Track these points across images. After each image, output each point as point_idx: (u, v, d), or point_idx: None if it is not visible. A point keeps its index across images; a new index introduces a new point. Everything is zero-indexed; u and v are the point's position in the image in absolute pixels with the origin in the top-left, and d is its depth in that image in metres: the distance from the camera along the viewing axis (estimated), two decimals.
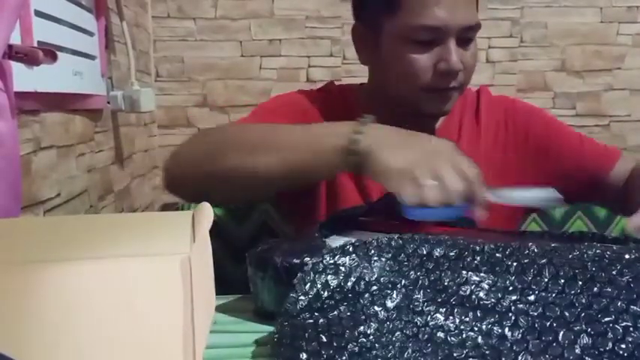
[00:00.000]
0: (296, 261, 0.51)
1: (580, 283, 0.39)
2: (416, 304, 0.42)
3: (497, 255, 0.43)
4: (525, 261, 0.42)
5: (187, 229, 0.44)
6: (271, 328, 0.53)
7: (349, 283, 0.44)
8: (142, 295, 0.36)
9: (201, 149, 0.75)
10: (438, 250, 0.45)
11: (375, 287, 0.44)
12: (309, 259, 0.50)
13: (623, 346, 0.35)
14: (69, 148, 1.00)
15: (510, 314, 0.39)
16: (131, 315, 0.35)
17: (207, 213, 0.48)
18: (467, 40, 0.80)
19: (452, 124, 0.91)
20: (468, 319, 0.40)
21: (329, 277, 0.45)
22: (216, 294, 0.57)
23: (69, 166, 1.00)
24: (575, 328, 0.37)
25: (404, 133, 0.65)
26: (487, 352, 0.38)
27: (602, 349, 0.35)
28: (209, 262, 0.52)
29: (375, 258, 0.46)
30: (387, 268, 0.45)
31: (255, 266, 0.54)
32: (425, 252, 0.45)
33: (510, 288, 0.41)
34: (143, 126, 1.63)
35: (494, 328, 0.39)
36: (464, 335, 0.39)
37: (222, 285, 0.60)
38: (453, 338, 0.39)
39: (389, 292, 0.44)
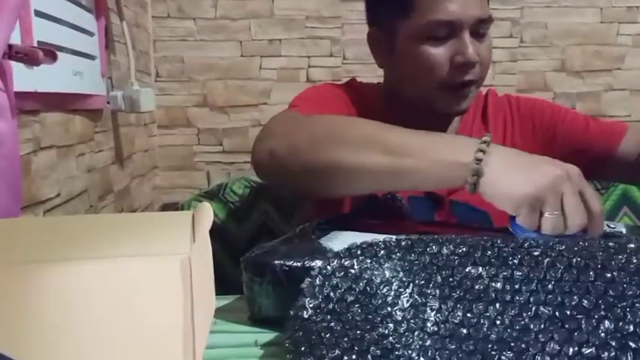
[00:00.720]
0: (295, 264, 0.50)
1: (592, 272, 0.40)
2: (432, 301, 0.42)
3: (507, 249, 0.43)
4: (536, 253, 0.42)
5: (187, 229, 0.44)
6: (271, 331, 0.53)
7: (360, 285, 0.44)
8: (142, 295, 0.36)
9: (306, 139, 0.69)
10: (447, 247, 0.45)
11: (386, 288, 0.44)
12: (309, 261, 0.49)
13: None
14: (69, 148, 1.00)
15: (530, 305, 0.40)
16: (131, 315, 0.35)
17: (207, 213, 0.48)
18: (481, 33, 0.81)
19: (465, 128, 0.92)
20: (488, 313, 0.40)
21: (338, 279, 0.44)
22: (216, 294, 0.57)
23: (69, 166, 1.00)
24: (596, 315, 0.37)
25: (528, 155, 0.61)
26: (512, 344, 0.38)
27: (625, 333, 0.36)
28: (209, 262, 0.52)
29: (384, 259, 0.46)
30: (398, 269, 0.45)
31: (252, 271, 0.53)
32: (435, 250, 0.45)
33: (526, 280, 0.41)
34: (143, 126, 1.63)
35: (517, 319, 0.39)
36: (486, 329, 0.39)
37: (222, 285, 0.60)
38: (475, 333, 0.39)
39: (402, 291, 0.43)
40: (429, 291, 0.43)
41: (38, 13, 0.86)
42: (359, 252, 0.47)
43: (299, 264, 0.50)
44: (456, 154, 0.60)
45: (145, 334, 0.36)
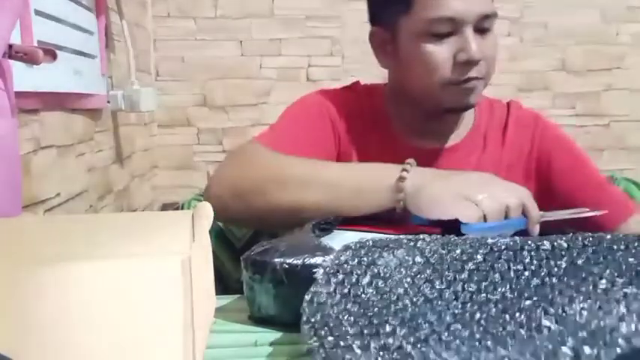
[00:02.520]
0: (295, 262, 0.50)
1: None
2: (450, 284, 0.43)
3: (517, 244, 0.45)
4: (545, 247, 0.44)
5: (187, 229, 0.44)
6: (271, 330, 0.53)
7: (374, 270, 0.44)
8: (142, 295, 0.36)
9: (248, 184, 0.76)
10: (457, 242, 0.46)
11: (402, 270, 0.44)
12: (310, 259, 0.50)
13: None
14: (69, 148, 1.00)
15: (536, 279, 0.42)
16: (131, 315, 0.35)
17: (207, 213, 0.48)
18: (484, 29, 0.79)
19: (477, 135, 0.88)
20: (500, 289, 0.42)
21: (351, 266, 0.45)
22: (216, 294, 0.57)
23: (69, 165, 1.00)
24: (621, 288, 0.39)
25: (447, 171, 0.69)
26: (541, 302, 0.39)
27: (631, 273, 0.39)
28: (209, 262, 0.52)
29: (396, 248, 0.46)
30: (411, 254, 0.45)
31: (252, 269, 0.52)
32: (444, 241, 0.46)
33: (535, 272, 0.43)
34: (143, 126, 1.63)
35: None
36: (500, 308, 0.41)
37: (222, 285, 0.60)
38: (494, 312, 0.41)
39: (417, 273, 0.44)
40: (444, 274, 0.44)
41: (38, 13, 0.86)
42: (370, 243, 0.47)
43: (299, 262, 0.50)
44: (382, 178, 0.68)
45: (144, 334, 0.36)
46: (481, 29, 0.79)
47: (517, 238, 0.46)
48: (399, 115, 0.88)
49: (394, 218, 0.68)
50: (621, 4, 1.86)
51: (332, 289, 0.43)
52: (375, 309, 0.41)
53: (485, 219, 0.61)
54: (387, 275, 0.44)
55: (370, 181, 0.69)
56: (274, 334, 0.52)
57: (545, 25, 1.87)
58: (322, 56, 1.82)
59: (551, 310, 0.38)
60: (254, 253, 0.53)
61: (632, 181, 1.63)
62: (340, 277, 0.44)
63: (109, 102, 1.24)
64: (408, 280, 0.44)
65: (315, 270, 0.47)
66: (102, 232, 0.45)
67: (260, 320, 0.53)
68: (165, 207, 1.82)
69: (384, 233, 0.62)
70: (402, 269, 0.44)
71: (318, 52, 1.82)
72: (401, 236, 0.48)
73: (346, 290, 0.43)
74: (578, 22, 1.87)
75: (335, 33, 1.82)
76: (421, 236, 0.48)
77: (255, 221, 0.76)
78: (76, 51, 1.05)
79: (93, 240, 0.42)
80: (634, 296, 0.37)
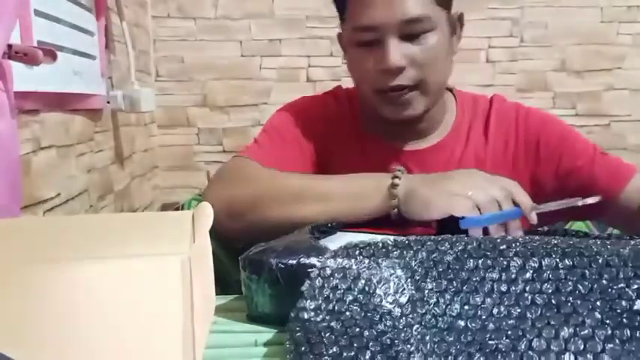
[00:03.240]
0: (291, 262, 0.51)
1: (586, 259, 0.42)
2: (429, 295, 0.43)
3: (503, 243, 0.45)
4: (531, 246, 0.44)
5: (187, 229, 0.44)
6: (271, 330, 0.53)
7: (359, 285, 0.45)
8: (142, 295, 0.36)
9: (243, 202, 0.76)
10: (443, 245, 0.46)
11: (385, 286, 0.44)
12: (305, 259, 0.50)
13: (638, 302, 0.38)
14: (69, 148, 1.00)
15: (526, 294, 0.41)
16: (131, 314, 0.35)
17: (207, 213, 0.48)
18: (415, 35, 0.76)
19: (459, 132, 0.87)
20: (485, 304, 0.42)
21: (337, 280, 0.45)
22: (216, 294, 0.57)
23: (69, 166, 1.00)
24: (592, 298, 0.39)
25: (434, 174, 0.70)
26: (510, 331, 0.39)
27: (619, 310, 0.38)
28: (209, 262, 0.52)
29: (382, 258, 0.46)
30: (396, 266, 0.46)
31: (250, 269, 0.53)
32: (432, 247, 0.47)
33: (521, 270, 0.42)
34: (143, 126, 1.63)
35: (513, 308, 0.41)
36: (484, 319, 0.41)
37: (222, 285, 0.60)
38: (473, 324, 0.41)
39: (399, 288, 0.44)
40: (426, 285, 0.44)
41: (38, 13, 0.86)
42: (357, 252, 0.48)
43: (294, 262, 0.51)
44: (375, 185, 0.69)
45: (145, 334, 0.36)
46: (410, 35, 0.76)
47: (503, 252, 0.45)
48: (375, 118, 0.86)
49: (395, 220, 0.68)
50: (621, 4, 1.86)
51: (317, 305, 0.44)
52: (357, 329, 0.41)
53: (479, 211, 0.62)
54: (371, 291, 0.44)
55: (363, 190, 0.70)
56: (274, 334, 0.52)
57: (545, 25, 1.87)
58: (322, 56, 1.82)
59: (551, 332, 0.38)
60: (252, 253, 0.54)
61: None
62: (325, 292, 0.44)
63: (108, 102, 1.24)
64: (391, 297, 0.44)
65: (310, 270, 0.47)
66: (102, 233, 0.45)
67: (257, 319, 0.54)
68: (165, 207, 1.82)
69: (382, 234, 0.62)
70: (386, 285, 0.44)
71: (318, 53, 1.82)
72: (390, 241, 0.48)
73: (331, 306, 0.44)
74: (578, 22, 1.87)
75: (335, 33, 1.81)
76: (409, 241, 0.47)
77: (252, 237, 0.76)
78: (76, 51, 1.05)
79: (93, 240, 0.42)
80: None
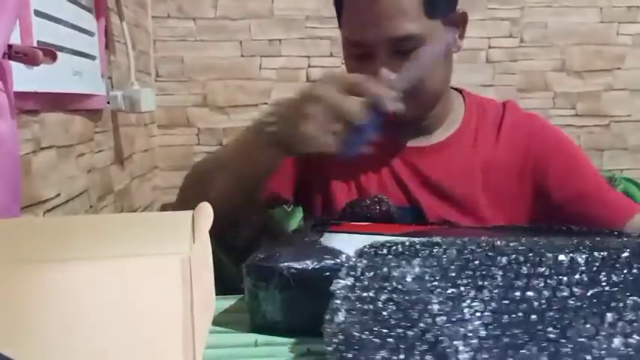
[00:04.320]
0: (303, 266, 0.49)
1: (613, 251, 0.43)
2: (466, 291, 0.43)
3: (531, 243, 0.46)
4: (556, 244, 0.45)
5: (187, 229, 0.44)
6: (274, 336, 0.53)
7: (392, 284, 0.43)
8: (142, 295, 0.36)
9: (188, 196, 0.84)
10: (471, 244, 0.46)
11: (419, 283, 0.43)
12: (318, 263, 0.49)
13: None
14: (69, 148, 1.00)
15: (562, 287, 0.42)
16: (131, 315, 0.35)
17: (207, 213, 0.48)
18: (405, 51, 0.76)
19: (466, 132, 0.86)
20: (524, 298, 0.42)
21: (368, 280, 0.44)
22: (216, 294, 0.57)
23: (69, 166, 1.00)
24: (627, 285, 0.41)
25: (291, 99, 0.70)
26: (554, 322, 0.40)
27: None
28: (209, 262, 0.52)
29: (412, 256, 0.45)
30: (427, 264, 0.45)
31: (256, 276, 0.51)
32: (460, 247, 0.46)
33: (555, 264, 0.43)
34: (143, 126, 1.63)
35: (552, 301, 0.41)
36: (526, 313, 0.41)
37: (222, 285, 0.60)
38: (516, 318, 0.41)
39: (435, 285, 0.43)
40: (462, 282, 0.43)
41: (38, 13, 0.86)
42: (384, 251, 0.46)
43: (306, 266, 0.49)
44: (251, 133, 0.73)
45: (145, 334, 0.36)
46: (400, 51, 0.76)
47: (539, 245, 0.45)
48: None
49: (382, 219, 0.68)
50: (621, 4, 1.86)
51: (350, 306, 0.42)
52: (400, 330, 0.40)
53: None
54: (405, 289, 0.43)
55: (245, 142, 0.74)
56: (273, 335, 0.52)
57: (545, 25, 1.87)
58: (322, 57, 1.82)
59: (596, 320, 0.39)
60: (258, 259, 0.52)
61: (632, 181, 1.63)
62: (357, 292, 0.43)
63: (108, 102, 1.24)
64: (427, 295, 0.43)
65: (326, 274, 0.47)
66: (102, 233, 0.45)
67: (264, 328, 0.52)
68: (165, 207, 1.82)
69: (380, 234, 0.61)
70: (420, 282, 0.44)
71: (318, 53, 1.82)
72: (416, 241, 0.47)
73: (366, 307, 0.42)
74: (578, 22, 1.87)
75: (335, 33, 1.81)
76: (436, 240, 0.47)
77: (220, 222, 0.80)
78: (76, 52, 1.05)
79: (93, 240, 0.42)
80: None
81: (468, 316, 0.41)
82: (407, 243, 0.47)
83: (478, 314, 0.41)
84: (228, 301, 0.62)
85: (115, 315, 0.35)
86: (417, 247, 0.46)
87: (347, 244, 0.51)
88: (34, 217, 0.83)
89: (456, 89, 0.91)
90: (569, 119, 1.89)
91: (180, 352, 0.36)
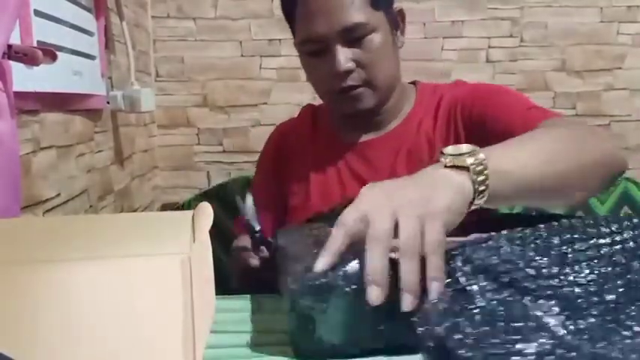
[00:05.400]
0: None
1: None
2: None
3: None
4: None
5: (187, 229, 0.44)
6: (271, 331, 0.53)
7: (483, 300, 0.42)
8: (142, 295, 0.36)
9: None
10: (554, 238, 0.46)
11: (516, 304, 0.42)
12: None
13: None
14: (69, 148, 1.00)
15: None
16: (131, 315, 0.35)
17: (207, 213, 0.48)
18: (357, 39, 0.83)
19: (412, 121, 0.91)
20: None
21: (465, 300, 0.42)
22: (216, 294, 0.57)
23: (69, 166, 1.00)
24: None
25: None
26: None
27: None
28: (209, 262, 0.52)
29: (489, 272, 0.44)
30: (507, 279, 0.44)
31: (314, 297, 0.45)
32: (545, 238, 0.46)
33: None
34: (143, 126, 1.63)
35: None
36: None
37: (222, 285, 0.60)
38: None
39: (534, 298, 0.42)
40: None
41: (38, 13, 0.86)
42: (467, 269, 0.44)
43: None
44: None
45: (145, 334, 0.36)
46: (353, 40, 0.83)
47: None
48: (334, 118, 0.97)
49: None
50: (621, 4, 1.86)
51: (449, 326, 0.39)
52: (502, 323, 0.39)
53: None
54: (501, 307, 0.41)
55: None
56: (274, 335, 0.52)
57: (545, 25, 1.86)
58: None
59: None
60: (310, 276, 0.46)
61: (632, 181, 1.63)
62: (456, 316, 0.41)
63: (108, 102, 1.24)
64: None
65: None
66: (102, 233, 0.45)
67: (317, 354, 0.47)
68: (165, 207, 1.82)
69: None
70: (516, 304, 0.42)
71: None
72: (483, 247, 0.46)
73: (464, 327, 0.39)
74: (578, 22, 1.87)
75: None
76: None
77: None
78: (76, 52, 1.05)
79: (93, 240, 0.42)
80: None
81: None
82: (483, 254, 0.45)
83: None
84: (228, 301, 0.62)
85: (115, 315, 0.35)
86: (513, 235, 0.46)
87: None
88: (34, 217, 0.83)
89: (412, 83, 0.97)
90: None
91: (180, 352, 0.36)
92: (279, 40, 1.81)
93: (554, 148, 0.61)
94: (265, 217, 0.93)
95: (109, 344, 0.35)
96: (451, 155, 0.53)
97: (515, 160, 0.57)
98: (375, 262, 0.44)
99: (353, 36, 0.83)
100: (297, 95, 1.82)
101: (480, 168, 0.52)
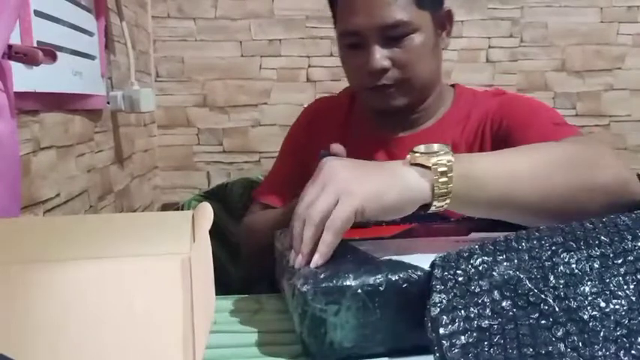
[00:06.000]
0: (377, 281, 0.45)
1: None
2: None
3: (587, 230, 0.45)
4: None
5: (187, 229, 0.44)
6: (271, 331, 0.53)
7: (495, 296, 0.42)
8: (142, 295, 0.36)
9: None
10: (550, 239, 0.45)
11: (519, 285, 0.42)
12: (392, 275, 0.46)
13: None
14: (69, 149, 1.00)
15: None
16: (131, 315, 0.35)
17: (207, 213, 0.48)
18: (395, 37, 0.81)
19: (445, 122, 0.90)
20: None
21: (469, 297, 0.42)
22: (216, 294, 0.57)
23: (69, 166, 1.00)
24: None
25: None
26: None
27: None
28: (209, 262, 0.52)
29: (497, 260, 0.44)
30: (513, 267, 0.43)
31: (324, 299, 0.45)
32: (537, 241, 0.45)
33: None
34: (143, 126, 1.63)
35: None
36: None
37: (222, 285, 0.60)
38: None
39: (541, 290, 0.42)
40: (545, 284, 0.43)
41: (38, 13, 0.86)
42: (465, 256, 0.44)
43: (382, 280, 0.45)
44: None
45: (145, 334, 0.35)
46: (391, 38, 0.81)
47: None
48: (368, 109, 0.95)
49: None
50: (621, 4, 1.86)
51: (457, 327, 0.40)
52: (513, 328, 0.39)
53: None
54: (515, 299, 0.41)
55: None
56: (274, 335, 0.52)
57: (545, 25, 1.86)
58: (322, 56, 1.82)
59: None
60: (320, 280, 0.46)
61: None
62: (464, 312, 0.41)
63: (108, 102, 1.24)
64: (534, 299, 0.42)
65: (404, 285, 0.45)
66: (102, 233, 0.45)
67: (328, 357, 0.46)
68: (165, 207, 1.82)
69: (374, 238, 0.61)
70: (520, 284, 0.42)
71: (318, 53, 1.82)
72: (490, 243, 0.45)
73: (471, 314, 0.40)
74: (578, 22, 1.87)
75: (334, 33, 1.81)
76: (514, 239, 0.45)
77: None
78: (76, 52, 1.05)
79: (93, 240, 0.42)
80: None
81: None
82: (492, 246, 0.45)
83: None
84: (228, 301, 0.62)
85: (115, 315, 0.35)
86: (496, 248, 0.44)
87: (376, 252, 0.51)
88: (34, 217, 0.83)
89: (452, 85, 0.96)
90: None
91: (180, 352, 0.36)
92: (279, 40, 1.81)
93: (550, 162, 0.58)
94: (283, 192, 0.94)
95: (108, 344, 0.35)
96: (418, 153, 0.54)
97: (492, 169, 0.55)
98: (294, 232, 0.51)
99: (392, 34, 0.81)
100: (297, 95, 1.82)
101: (443, 169, 0.52)
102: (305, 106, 1.07)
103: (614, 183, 0.58)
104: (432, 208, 0.53)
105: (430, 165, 0.52)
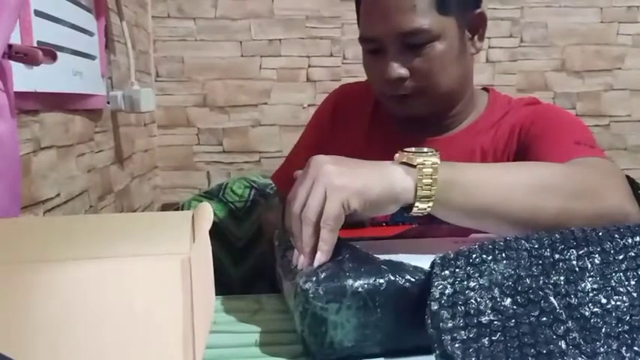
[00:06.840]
0: (378, 281, 0.46)
1: None
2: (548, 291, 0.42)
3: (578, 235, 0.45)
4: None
5: (187, 229, 0.44)
6: (271, 331, 0.53)
7: (494, 293, 0.42)
8: (142, 295, 0.36)
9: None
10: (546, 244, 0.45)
11: (525, 292, 0.42)
12: (393, 276, 0.46)
13: None
14: (69, 148, 1.00)
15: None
16: (131, 315, 0.35)
17: (207, 213, 0.48)
18: (415, 45, 0.77)
19: (474, 130, 0.87)
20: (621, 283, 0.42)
21: (467, 294, 0.42)
22: (216, 294, 0.57)
23: (69, 166, 1.00)
24: None
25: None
26: None
27: None
28: (209, 262, 0.52)
29: (491, 264, 0.44)
30: (511, 269, 0.43)
31: (326, 297, 0.45)
32: (532, 246, 0.45)
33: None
34: (143, 126, 1.63)
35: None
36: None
37: (222, 285, 0.60)
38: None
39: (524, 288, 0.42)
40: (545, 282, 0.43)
41: (38, 13, 0.86)
42: (463, 259, 0.44)
43: (383, 280, 0.46)
44: None
45: (145, 334, 0.36)
46: (410, 45, 0.77)
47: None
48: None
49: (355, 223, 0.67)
50: (621, 4, 1.86)
51: (456, 323, 0.40)
52: (516, 330, 0.39)
53: None
54: (509, 292, 0.42)
55: None
56: (274, 335, 0.52)
57: (545, 25, 1.86)
58: (322, 57, 1.82)
59: None
60: (322, 278, 0.46)
61: (631, 180, 1.63)
62: (463, 307, 0.42)
63: (108, 102, 1.24)
64: (540, 298, 0.42)
65: (405, 285, 0.45)
66: (102, 233, 0.45)
67: (328, 356, 0.47)
68: (165, 207, 1.82)
69: (372, 239, 0.61)
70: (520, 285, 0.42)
71: (318, 53, 1.82)
72: (490, 246, 0.45)
73: (475, 321, 0.40)
74: (578, 22, 1.87)
75: (335, 33, 1.82)
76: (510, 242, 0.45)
77: None
78: (76, 52, 1.05)
79: (93, 240, 0.42)
80: None
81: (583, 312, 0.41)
82: (488, 248, 0.45)
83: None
84: (228, 301, 0.62)
85: (114, 315, 0.35)
86: (496, 252, 0.45)
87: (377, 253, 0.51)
88: (34, 217, 0.83)
89: (485, 89, 0.92)
90: None
91: (180, 352, 0.36)
92: (279, 40, 1.81)
93: (542, 183, 0.57)
94: None
95: (108, 344, 0.35)
96: (407, 152, 0.54)
97: (479, 179, 0.55)
98: (294, 233, 0.52)
99: (411, 41, 0.76)
100: (297, 95, 1.82)
101: (427, 170, 0.53)
102: (329, 92, 1.04)
103: (611, 215, 0.57)
104: (415, 210, 0.54)
105: (415, 164, 0.53)
